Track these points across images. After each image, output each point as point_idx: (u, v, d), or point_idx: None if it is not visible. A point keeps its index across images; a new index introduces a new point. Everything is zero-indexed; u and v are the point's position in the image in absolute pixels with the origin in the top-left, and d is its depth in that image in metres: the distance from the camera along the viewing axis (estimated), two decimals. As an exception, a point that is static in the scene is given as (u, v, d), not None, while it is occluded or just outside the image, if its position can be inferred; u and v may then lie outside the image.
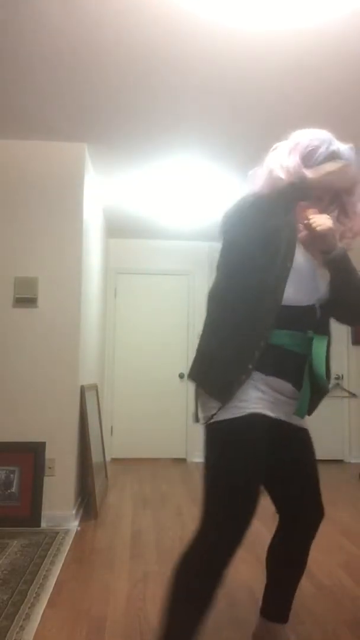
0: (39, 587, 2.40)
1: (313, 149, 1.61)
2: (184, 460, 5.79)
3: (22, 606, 2.20)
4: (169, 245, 6.11)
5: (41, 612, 2.16)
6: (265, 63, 2.66)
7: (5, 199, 3.61)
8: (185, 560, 1.52)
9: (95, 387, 4.44)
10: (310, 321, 1.60)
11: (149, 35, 2.46)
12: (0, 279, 3.53)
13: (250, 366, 1.49)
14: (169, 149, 3.65)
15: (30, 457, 3.37)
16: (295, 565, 1.76)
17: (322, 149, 1.61)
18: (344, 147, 1.66)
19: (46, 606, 2.22)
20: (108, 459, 5.38)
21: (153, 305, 6.09)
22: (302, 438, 1.79)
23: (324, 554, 2.90)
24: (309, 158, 1.60)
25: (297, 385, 1.59)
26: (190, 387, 5.85)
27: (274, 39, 2.46)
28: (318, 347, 1.57)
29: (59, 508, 3.35)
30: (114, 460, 5.67)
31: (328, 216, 1.57)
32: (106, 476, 4.66)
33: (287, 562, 1.77)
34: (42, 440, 3.40)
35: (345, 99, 2.98)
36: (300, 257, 1.57)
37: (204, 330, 1.65)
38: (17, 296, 3.51)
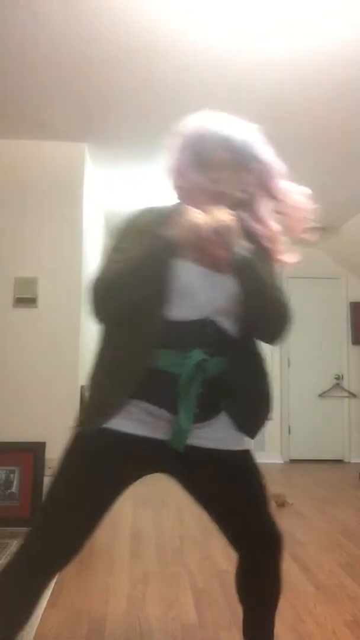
0: (39, 587, 2.40)
1: (204, 139, 1.44)
2: (184, 460, 5.80)
3: (22, 606, 2.20)
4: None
5: (41, 612, 2.16)
6: (266, 63, 2.66)
7: (5, 199, 3.60)
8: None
9: (95, 387, 4.43)
10: (199, 338, 1.35)
11: (149, 35, 2.46)
12: (0, 279, 3.53)
13: (120, 396, 1.33)
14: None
15: (30, 457, 3.37)
16: (268, 594, 1.60)
17: (212, 138, 1.43)
18: (239, 134, 1.45)
19: (46, 606, 2.22)
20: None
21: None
22: (233, 466, 1.48)
23: (324, 554, 2.90)
24: (200, 149, 1.43)
25: (174, 410, 1.33)
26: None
27: (273, 45, 2.46)
28: (192, 363, 1.31)
29: (59, 508, 3.34)
30: (114, 460, 5.66)
31: (224, 212, 1.31)
32: (106, 476, 4.66)
33: (258, 592, 1.60)
34: (42, 440, 3.40)
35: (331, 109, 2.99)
36: (184, 270, 1.33)
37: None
38: (17, 296, 3.51)
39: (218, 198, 1.37)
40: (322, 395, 6.11)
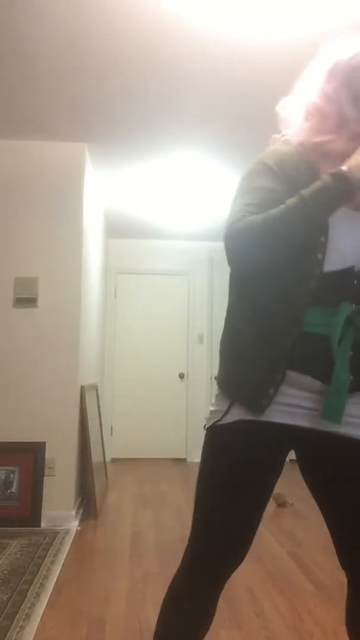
0: (39, 587, 2.40)
1: (358, 68, 1.15)
2: (184, 460, 5.79)
3: (22, 606, 2.20)
4: (168, 245, 6.11)
5: (41, 612, 2.16)
6: (265, 64, 2.66)
7: (5, 199, 3.60)
8: (174, 578, 1.32)
9: (95, 387, 4.44)
10: (350, 288, 1.13)
11: (150, 35, 2.46)
12: (0, 279, 3.53)
13: (279, 372, 1.12)
14: (169, 148, 3.65)
15: (30, 457, 3.37)
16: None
17: None
18: None
19: (46, 606, 2.22)
20: (108, 459, 5.38)
21: (153, 305, 6.09)
22: (353, 456, 1.17)
23: (324, 554, 2.90)
24: (353, 80, 1.15)
25: (324, 378, 1.11)
26: (190, 387, 5.88)
27: (270, 43, 2.46)
28: (341, 318, 1.10)
29: (59, 508, 3.35)
30: (114, 460, 5.66)
31: None
32: (106, 476, 4.66)
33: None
34: (42, 440, 3.40)
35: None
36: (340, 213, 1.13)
37: (225, 326, 1.27)
38: (17, 296, 3.51)
39: None
40: (322, 395, 6.10)
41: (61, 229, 3.59)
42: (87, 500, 3.82)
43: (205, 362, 5.91)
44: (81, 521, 3.47)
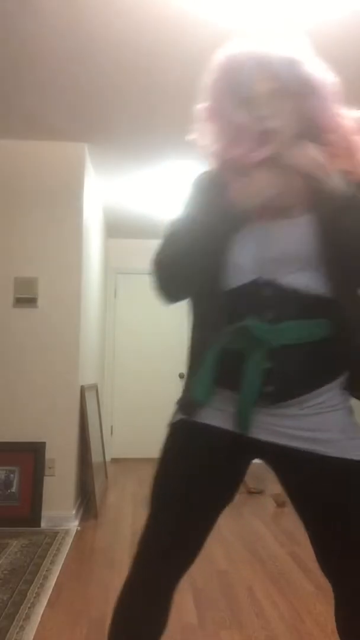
0: (39, 587, 2.40)
1: (238, 68, 1.13)
2: (184, 460, 5.79)
3: (22, 606, 2.20)
4: (169, 245, 6.10)
5: (41, 612, 2.16)
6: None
7: (5, 199, 3.60)
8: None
9: (95, 387, 4.44)
10: (250, 305, 1.11)
11: (150, 35, 2.46)
12: (0, 279, 3.53)
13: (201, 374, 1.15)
14: (169, 148, 3.65)
15: (30, 457, 3.37)
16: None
17: (248, 64, 1.11)
18: (279, 53, 1.11)
19: (46, 606, 2.22)
20: (108, 459, 5.38)
21: (153, 305, 6.05)
22: (332, 473, 1.09)
23: (324, 554, 2.90)
24: (235, 80, 1.12)
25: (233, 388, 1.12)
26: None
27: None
28: (258, 333, 1.08)
29: (59, 508, 3.35)
30: (114, 460, 5.66)
31: (304, 147, 1.09)
32: (106, 476, 4.66)
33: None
34: (42, 440, 3.40)
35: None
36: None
37: None
38: (17, 296, 3.51)
39: (268, 138, 1.08)
40: (322, 395, 6.10)
41: (61, 229, 3.59)
42: (87, 500, 3.82)
43: (205, 362, 5.90)
44: (81, 521, 3.47)
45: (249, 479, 4.51)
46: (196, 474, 1.16)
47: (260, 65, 1.10)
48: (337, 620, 1.18)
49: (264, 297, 1.11)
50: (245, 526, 3.43)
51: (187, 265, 1.15)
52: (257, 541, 3.14)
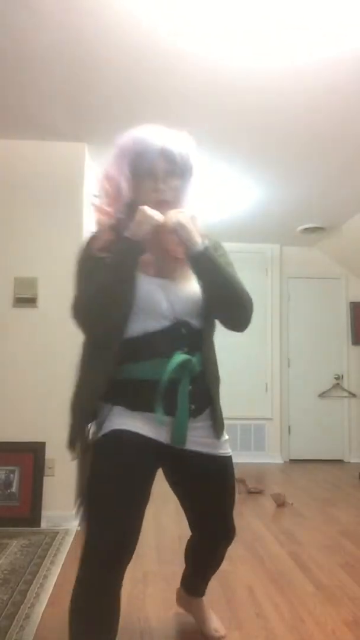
0: (39, 587, 2.40)
1: (140, 152, 1.50)
2: (184, 460, 5.79)
3: (22, 606, 2.20)
4: (169, 245, 6.10)
5: (41, 612, 2.16)
6: (264, 66, 2.66)
7: (5, 198, 3.60)
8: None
9: (95, 387, 4.43)
10: (173, 343, 1.51)
11: (150, 35, 2.46)
12: (0, 279, 3.53)
13: (93, 403, 1.54)
14: (169, 149, 3.65)
15: (30, 457, 3.37)
16: (210, 564, 1.93)
17: (148, 150, 1.50)
18: (172, 143, 1.53)
19: (46, 606, 2.22)
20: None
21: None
22: (211, 469, 1.64)
23: (324, 554, 2.90)
24: (138, 162, 1.51)
25: (167, 410, 1.50)
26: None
27: (270, 47, 2.46)
28: (175, 363, 1.48)
29: (59, 508, 3.35)
30: (114, 460, 5.66)
31: (177, 210, 1.49)
32: (106, 476, 4.66)
33: (202, 561, 1.92)
34: (42, 440, 3.40)
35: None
36: (144, 284, 1.49)
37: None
38: (17, 296, 3.51)
39: (161, 205, 1.49)
40: (322, 395, 6.11)
41: (61, 228, 3.59)
42: (87, 500, 3.82)
43: (205, 362, 5.91)
44: (81, 521, 3.47)
45: (249, 479, 4.51)
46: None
47: (162, 150, 1.49)
48: (187, 548, 1.89)
49: (182, 336, 1.53)
50: (245, 526, 3.43)
51: (103, 310, 1.48)
52: (257, 541, 3.14)
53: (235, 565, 2.74)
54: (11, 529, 3.20)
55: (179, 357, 1.48)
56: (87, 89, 2.94)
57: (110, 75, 2.80)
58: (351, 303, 6.21)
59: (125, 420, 1.50)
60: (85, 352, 1.64)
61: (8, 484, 3.35)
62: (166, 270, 1.55)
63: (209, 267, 1.50)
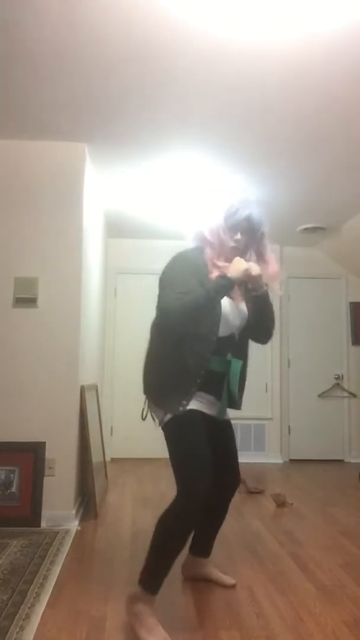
0: (39, 587, 2.40)
1: (232, 212, 2.19)
2: (184, 460, 5.79)
3: (22, 606, 2.20)
4: (168, 245, 6.07)
5: (41, 612, 2.16)
6: (264, 66, 2.66)
7: (5, 198, 3.60)
8: (167, 512, 2.09)
9: (95, 387, 4.44)
10: (230, 347, 2.22)
11: (150, 35, 2.46)
12: (0, 279, 3.53)
13: (194, 390, 2.11)
14: (169, 148, 3.65)
15: (30, 457, 3.37)
16: (217, 513, 2.45)
17: (238, 213, 2.18)
18: (254, 212, 2.22)
19: (46, 606, 2.22)
20: (108, 459, 5.38)
21: (153, 305, 6.07)
22: (225, 428, 2.38)
23: (324, 554, 2.90)
24: (228, 218, 2.19)
25: (218, 395, 2.20)
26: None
27: (271, 44, 2.46)
28: (235, 367, 2.19)
29: (59, 508, 3.35)
30: (114, 460, 5.67)
31: (253, 263, 2.16)
32: (106, 476, 4.66)
33: (211, 509, 2.36)
34: (42, 440, 3.40)
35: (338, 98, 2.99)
36: (224, 301, 2.13)
37: (150, 356, 2.25)
38: (17, 296, 3.51)
39: (235, 252, 2.18)
40: (322, 395, 6.11)
41: (61, 229, 3.59)
42: (87, 500, 3.82)
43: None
44: (81, 521, 3.47)
45: (249, 479, 4.50)
46: (204, 430, 2.15)
47: (246, 215, 2.20)
48: (208, 500, 2.13)
49: (233, 344, 2.25)
50: (245, 526, 3.43)
51: (196, 317, 2.04)
52: (257, 541, 3.14)
53: (235, 565, 2.74)
54: (11, 529, 3.20)
55: (237, 362, 2.22)
56: (87, 89, 2.94)
57: (110, 75, 2.80)
58: (351, 303, 6.21)
59: (194, 404, 2.13)
60: (170, 345, 2.14)
61: (8, 484, 3.35)
62: (233, 295, 2.20)
63: (267, 302, 2.24)
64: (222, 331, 2.15)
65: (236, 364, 2.20)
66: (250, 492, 4.32)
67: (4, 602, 2.24)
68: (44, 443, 3.40)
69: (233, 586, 2.45)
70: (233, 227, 2.18)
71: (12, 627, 2.02)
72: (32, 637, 1.96)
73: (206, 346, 2.10)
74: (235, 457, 2.42)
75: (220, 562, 2.76)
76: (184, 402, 2.09)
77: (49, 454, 3.40)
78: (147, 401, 2.26)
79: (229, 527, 3.38)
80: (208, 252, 2.20)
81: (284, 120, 3.24)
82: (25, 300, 3.51)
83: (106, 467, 4.83)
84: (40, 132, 3.50)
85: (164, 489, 4.46)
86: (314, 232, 5.49)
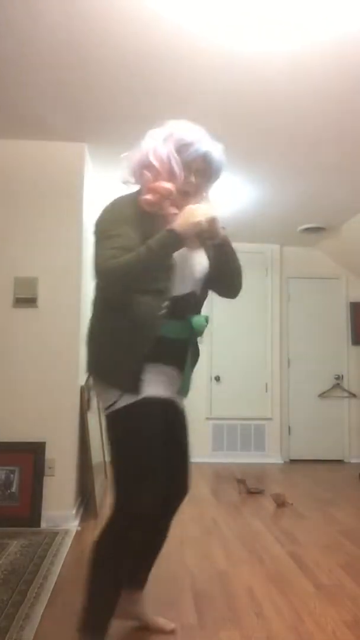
0: (39, 587, 2.40)
1: (187, 144, 1.74)
2: (184, 460, 5.78)
3: (22, 606, 2.20)
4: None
5: (41, 612, 2.16)
6: (264, 67, 2.66)
7: (5, 198, 3.60)
8: (103, 536, 1.74)
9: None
10: (190, 307, 1.80)
11: (149, 35, 2.46)
12: (0, 279, 3.53)
13: (149, 356, 1.69)
14: (169, 149, 3.65)
15: (30, 457, 3.37)
16: (157, 531, 1.96)
17: (195, 147, 1.74)
18: (214, 149, 1.80)
19: (46, 606, 2.22)
20: (108, 459, 5.37)
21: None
22: (181, 420, 1.93)
23: (324, 554, 2.90)
24: (181, 151, 1.73)
25: (180, 367, 1.79)
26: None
27: (271, 52, 2.46)
28: (197, 323, 1.77)
29: (59, 508, 3.35)
30: (114, 460, 5.65)
31: (208, 206, 1.74)
32: (106, 476, 4.66)
33: (153, 530, 1.92)
34: (42, 440, 3.40)
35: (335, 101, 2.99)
36: (179, 251, 1.69)
37: (93, 321, 1.81)
38: (17, 296, 3.51)
39: (183, 194, 1.76)
40: (322, 395, 6.11)
41: (61, 229, 3.59)
42: (87, 500, 3.82)
43: (205, 362, 5.88)
44: (81, 521, 3.47)
45: (249, 479, 4.50)
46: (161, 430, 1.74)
47: (203, 152, 1.76)
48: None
49: (194, 304, 1.82)
50: (245, 526, 3.43)
51: (140, 276, 1.64)
52: (257, 541, 3.14)
53: (235, 565, 2.74)
54: (11, 529, 3.20)
55: (202, 319, 1.77)
56: (87, 89, 2.94)
57: (110, 76, 2.80)
58: (351, 303, 6.21)
59: (156, 386, 1.72)
60: (120, 315, 1.72)
61: (8, 484, 3.35)
62: (191, 242, 1.74)
63: (228, 249, 1.82)
64: (179, 288, 1.74)
65: (199, 320, 1.77)
66: (250, 492, 4.32)
67: (4, 602, 2.24)
68: (44, 443, 3.40)
69: (172, 631, 1.99)
70: (187, 164, 1.74)
71: (12, 627, 2.02)
72: (32, 636, 1.96)
73: (159, 300, 1.69)
74: (188, 457, 1.93)
75: (220, 562, 2.76)
76: (139, 375, 1.68)
77: (49, 454, 3.40)
78: (92, 383, 1.87)
79: (229, 527, 3.38)
80: (147, 175, 1.74)
81: (284, 122, 3.24)
82: (25, 300, 3.51)
83: (106, 467, 4.83)
84: (40, 132, 3.50)
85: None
86: (314, 232, 5.49)
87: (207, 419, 5.75)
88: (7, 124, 3.41)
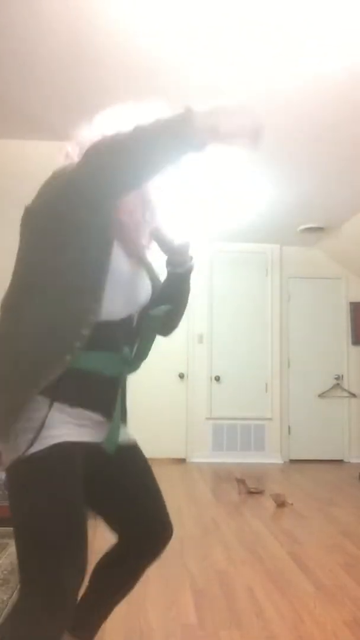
0: (38, 587, 2.40)
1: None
2: (183, 460, 5.77)
3: (22, 606, 2.20)
4: (169, 245, 6.09)
5: (41, 612, 2.16)
6: (264, 64, 2.66)
7: (5, 198, 3.60)
8: (15, 618, 1.29)
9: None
10: (125, 336, 1.34)
11: (150, 35, 2.46)
12: (0, 280, 3.52)
13: (34, 391, 1.18)
14: (169, 149, 3.65)
15: (30, 457, 3.36)
16: (124, 588, 1.58)
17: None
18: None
19: (46, 606, 2.22)
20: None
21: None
22: (131, 459, 1.47)
23: (324, 554, 2.90)
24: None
25: (107, 413, 1.30)
26: (189, 387, 5.87)
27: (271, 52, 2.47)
28: (152, 321, 1.38)
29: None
30: (114, 460, 5.65)
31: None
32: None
33: (117, 584, 1.57)
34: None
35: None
36: (121, 260, 1.30)
37: None
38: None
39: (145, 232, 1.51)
40: (322, 395, 6.11)
41: (61, 229, 3.58)
42: (87, 500, 3.81)
43: (205, 362, 5.89)
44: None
45: (249, 479, 4.50)
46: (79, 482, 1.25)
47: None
48: (105, 556, 1.56)
49: (129, 331, 1.36)
50: (245, 526, 3.43)
51: (139, 163, 1.24)
52: (257, 541, 3.14)
53: (235, 565, 2.74)
54: (11, 529, 3.19)
55: (129, 355, 1.36)
56: (87, 89, 2.94)
57: (110, 76, 2.80)
58: (351, 303, 6.21)
59: (65, 428, 1.22)
60: (27, 328, 1.27)
61: (8, 484, 3.34)
62: (136, 257, 1.39)
63: (188, 284, 1.58)
64: (119, 310, 1.30)
65: (154, 319, 1.39)
66: (250, 492, 4.32)
67: (4, 602, 2.24)
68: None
69: None
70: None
71: (12, 627, 2.01)
72: (32, 637, 1.95)
73: (69, 335, 1.21)
74: (160, 497, 1.51)
75: (220, 562, 2.76)
76: (39, 412, 1.18)
77: (48, 454, 3.40)
78: None
79: (229, 527, 3.38)
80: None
81: (284, 122, 3.24)
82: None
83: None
84: (40, 132, 3.49)
85: (164, 489, 4.46)
86: (314, 232, 5.49)
87: (207, 419, 5.75)
88: (6, 123, 3.40)
